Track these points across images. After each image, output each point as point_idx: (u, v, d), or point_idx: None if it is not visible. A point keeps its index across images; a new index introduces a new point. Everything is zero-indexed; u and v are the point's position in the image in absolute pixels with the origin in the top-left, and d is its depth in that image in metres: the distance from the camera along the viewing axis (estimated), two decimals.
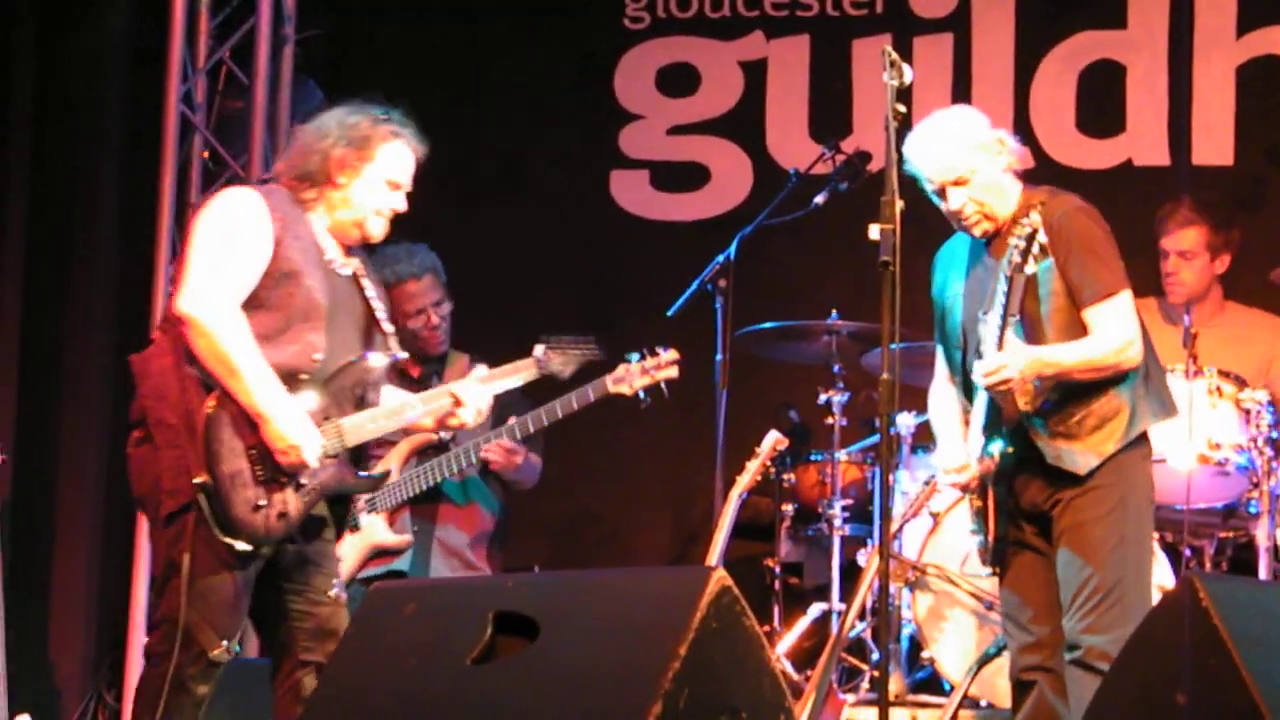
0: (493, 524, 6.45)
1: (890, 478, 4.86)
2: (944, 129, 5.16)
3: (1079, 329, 5.06)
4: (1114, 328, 5.04)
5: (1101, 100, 7.62)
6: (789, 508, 7.04)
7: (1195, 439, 6.21)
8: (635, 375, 5.46)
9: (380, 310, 4.94)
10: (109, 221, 7.60)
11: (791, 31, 7.88)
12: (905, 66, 4.64)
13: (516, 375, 5.09)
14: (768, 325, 6.86)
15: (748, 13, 7.91)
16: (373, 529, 6.17)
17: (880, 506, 6.38)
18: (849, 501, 6.87)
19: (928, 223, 5.22)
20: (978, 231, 5.15)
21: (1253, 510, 6.36)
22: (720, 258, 6.41)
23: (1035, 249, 4.85)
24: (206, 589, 4.66)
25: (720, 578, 3.85)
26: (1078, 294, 5.06)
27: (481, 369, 5.05)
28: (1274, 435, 6.29)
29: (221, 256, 4.70)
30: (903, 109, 4.65)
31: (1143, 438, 5.15)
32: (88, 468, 7.49)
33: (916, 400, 5.91)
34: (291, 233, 4.77)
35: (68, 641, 7.41)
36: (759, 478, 5.97)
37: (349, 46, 8.03)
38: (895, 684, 6.42)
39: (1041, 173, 6.05)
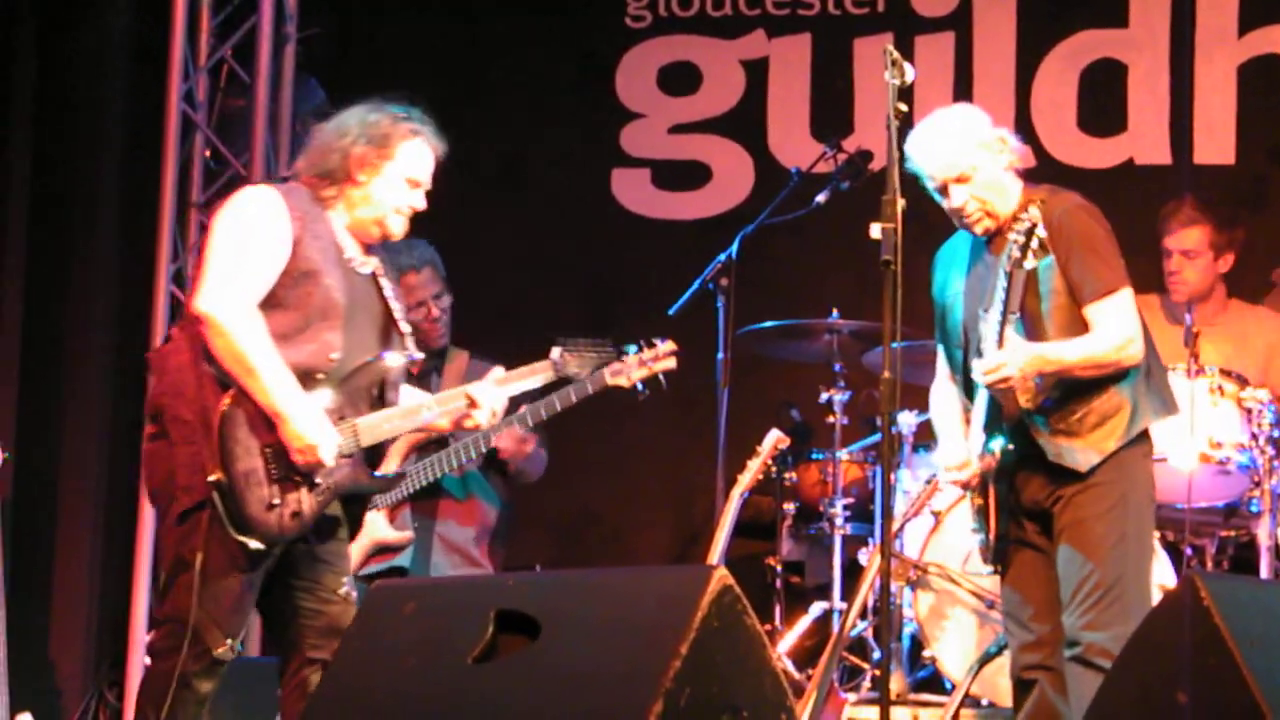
0: (493, 519, 6.45)
1: (892, 476, 4.86)
2: (946, 126, 5.15)
3: (1080, 326, 5.06)
4: (1115, 325, 5.04)
5: (1103, 99, 7.62)
6: (790, 506, 7.03)
7: (1197, 438, 6.21)
8: (633, 367, 5.44)
9: (398, 310, 4.94)
10: (109, 221, 7.60)
11: (793, 30, 7.88)
12: (907, 65, 4.65)
13: (533, 377, 5.08)
14: (769, 324, 6.86)
15: (749, 11, 7.91)
16: (374, 525, 6.17)
17: (882, 505, 6.38)
18: (850, 500, 6.87)
19: (929, 221, 5.22)
20: (979, 230, 5.15)
21: (1254, 509, 6.35)
22: (722, 256, 6.42)
23: (1034, 244, 4.85)
24: (216, 587, 4.67)
25: (722, 577, 3.85)
26: (1078, 291, 5.05)
27: (498, 370, 5.04)
28: (1275, 434, 6.28)
29: (239, 256, 4.70)
30: (904, 108, 4.65)
31: (1144, 435, 5.15)
32: (88, 467, 7.49)
33: (918, 399, 5.91)
34: (311, 232, 4.77)
35: (69, 640, 7.41)
36: (760, 476, 5.97)
37: (350, 45, 8.03)
38: (897, 683, 6.42)
39: (1043, 171, 6.06)
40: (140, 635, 7.00)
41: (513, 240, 7.88)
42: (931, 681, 6.56)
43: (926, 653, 6.47)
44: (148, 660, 4.95)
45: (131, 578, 7.13)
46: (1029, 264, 4.88)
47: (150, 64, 7.38)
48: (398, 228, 4.92)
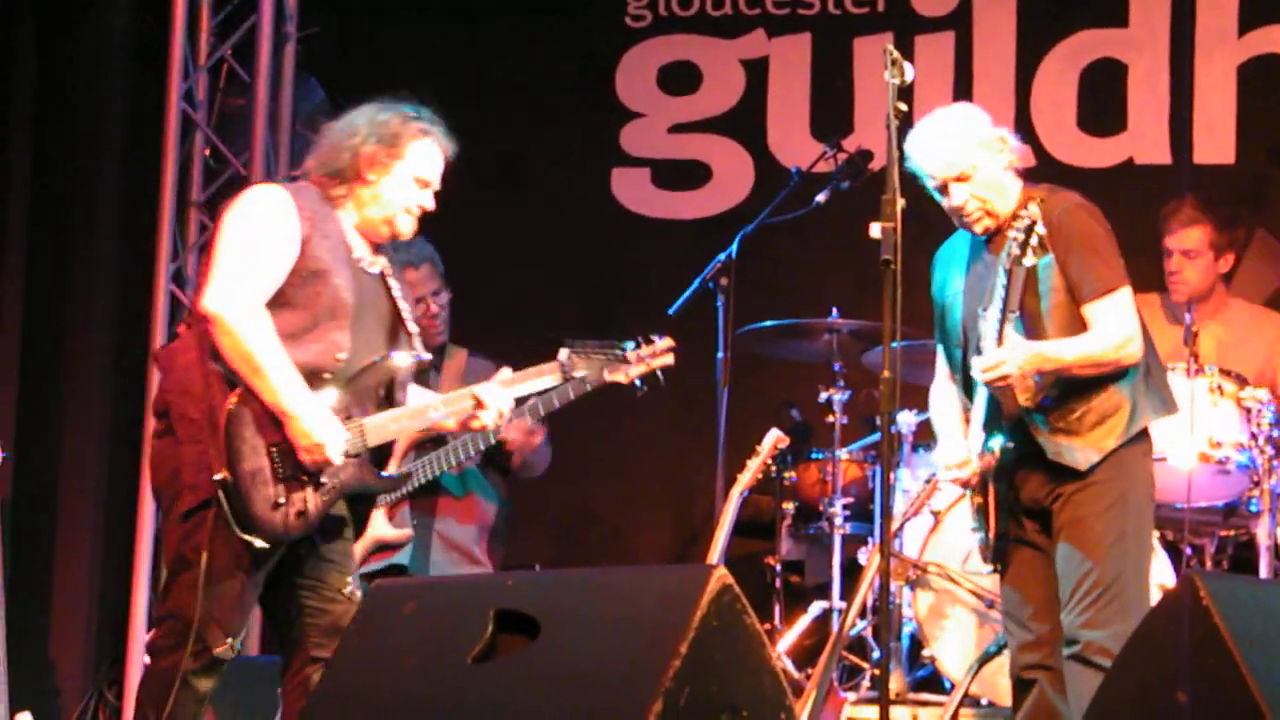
0: (492, 516, 6.45)
1: (891, 476, 4.87)
2: (946, 125, 5.16)
3: (1079, 325, 5.06)
4: (1114, 323, 5.04)
5: (1103, 99, 7.62)
6: (790, 506, 7.03)
7: (1196, 437, 6.21)
8: (631, 364, 5.44)
9: (406, 310, 4.93)
10: (109, 221, 7.60)
11: (793, 30, 7.88)
12: (907, 65, 4.65)
13: (540, 379, 5.06)
14: (769, 323, 6.86)
15: (749, 11, 7.90)
16: (373, 523, 6.15)
17: (881, 505, 6.37)
18: (850, 500, 6.87)
19: (929, 221, 5.22)
20: (979, 229, 5.15)
21: (1253, 509, 6.35)
22: (722, 256, 6.42)
23: (1034, 240, 4.85)
24: (219, 586, 4.67)
25: (721, 576, 3.85)
26: (1077, 290, 5.06)
27: (505, 372, 5.03)
28: (1275, 434, 6.28)
29: (247, 255, 4.71)
30: (904, 107, 4.65)
31: (1143, 434, 5.15)
32: (88, 467, 7.49)
33: (917, 398, 5.91)
34: (320, 231, 4.77)
35: (68, 640, 7.41)
36: (760, 476, 5.97)
37: (350, 45, 8.03)
38: (896, 682, 6.42)
39: (1043, 171, 6.06)
40: (140, 635, 7.00)
41: (512, 240, 7.88)
42: (931, 681, 6.56)
43: (926, 652, 6.47)
44: (147, 659, 4.95)
45: (131, 577, 7.13)
46: (1028, 261, 4.88)
47: (150, 64, 7.38)
48: (407, 227, 4.92)
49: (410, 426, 4.95)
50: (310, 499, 4.71)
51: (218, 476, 4.62)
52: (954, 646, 6.41)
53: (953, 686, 6.22)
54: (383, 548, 6.23)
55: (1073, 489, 5.07)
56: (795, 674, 6.36)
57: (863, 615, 6.36)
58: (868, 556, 6.47)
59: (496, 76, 7.98)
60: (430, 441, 6.14)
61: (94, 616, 7.47)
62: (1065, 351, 5.03)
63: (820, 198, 6.57)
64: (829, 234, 7.01)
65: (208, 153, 7.49)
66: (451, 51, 8.02)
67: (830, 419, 6.89)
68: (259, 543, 4.66)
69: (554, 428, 6.12)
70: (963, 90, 7.54)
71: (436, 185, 4.93)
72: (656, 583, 4.10)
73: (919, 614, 6.47)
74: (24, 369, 7.41)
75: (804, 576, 7.26)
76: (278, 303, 4.71)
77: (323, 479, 4.72)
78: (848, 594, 6.43)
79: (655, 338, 5.36)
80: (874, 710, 5.69)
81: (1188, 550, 6.39)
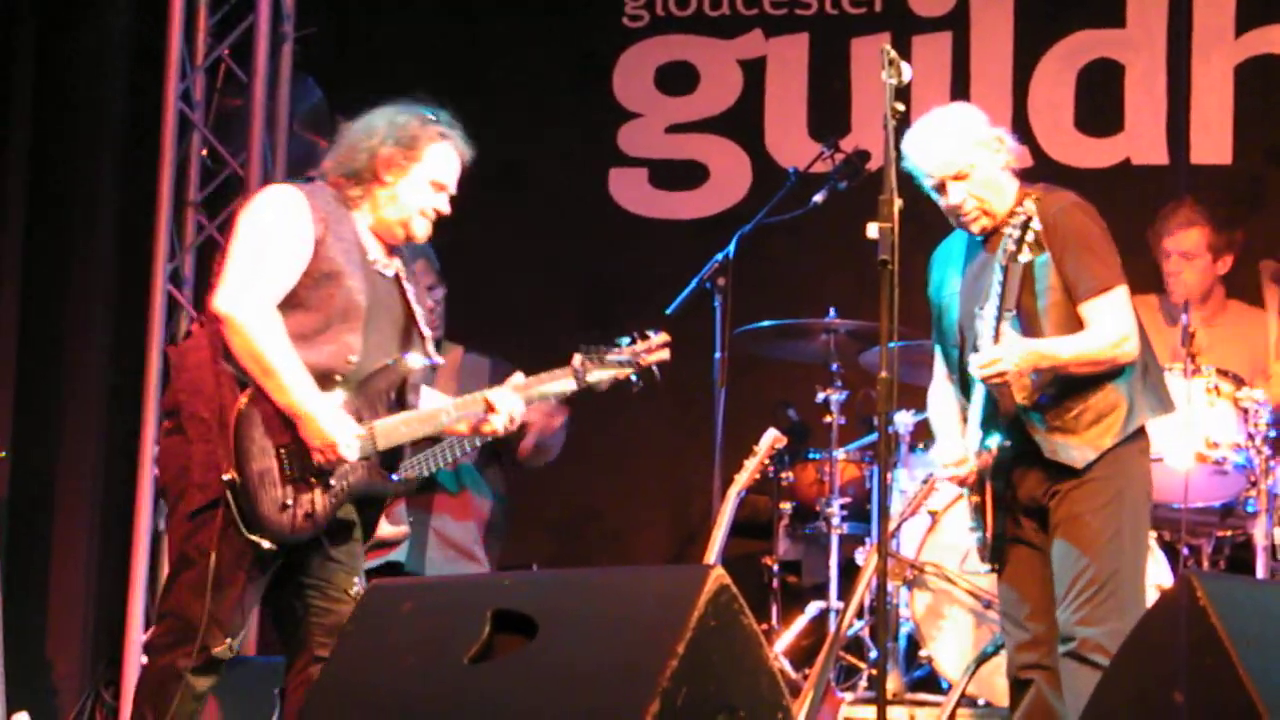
0: (488, 511, 6.45)
1: (888, 476, 4.88)
2: (943, 125, 5.16)
3: (1075, 324, 5.06)
4: (1110, 322, 5.04)
5: (1100, 99, 7.63)
6: (787, 506, 7.04)
7: (1193, 438, 6.22)
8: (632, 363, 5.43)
9: (420, 313, 4.93)
10: (108, 221, 7.59)
11: (790, 30, 7.88)
12: (904, 65, 4.65)
13: (553, 384, 5.03)
14: (766, 323, 6.86)
15: (747, 11, 7.91)
16: None
17: (878, 505, 6.38)
18: (847, 500, 6.88)
19: (926, 221, 5.22)
20: (976, 228, 5.15)
21: (1250, 509, 6.36)
22: (719, 256, 6.42)
23: (1030, 237, 4.86)
24: (222, 586, 4.67)
25: (718, 576, 3.85)
26: (1074, 289, 5.06)
27: (518, 376, 5.02)
28: (1272, 434, 6.29)
29: (260, 256, 4.71)
30: (901, 108, 4.65)
31: (1140, 432, 5.15)
32: (87, 467, 7.49)
33: (915, 398, 5.91)
34: (334, 233, 4.77)
35: (65, 640, 7.40)
36: (757, 476, 5.97)
37: (347, 45, 8.03)
38: (893, 682, 6.43)
39: (1040, 171, 6.06)
40: (137, 635, 6.99)
41: (511, 240, 7.88)
42: (928, 681, 6.56)
43: (923, 652, 6.48)
44: (144, 658, 4.95)
45: (128, 577, 7.12)
46: (1024, 257, 4.89)
47: (150, 64, 7.36)
48: (422, 230, 4.93)
49: (421, 430, 4.93)
50: (318, 501, 4.71)
51: (227, 477, 4.63)
52: (951, 646, 6.42)
53: (950, 686, 6.22)
54: (379, 545, 6.23)
55: (1069, 486, 5.07)
56: (792, 674, 6.36)
57: (860, 615, 6.37)
58: (865, 556, 6.47)
59: (495, 76, 7.98)
60: (425, 439, 6.13)
61: (91, 616, 7.46)
62: (1061, 349, 5.03)
63: (818, 198, 6.57)
64: (826, 234, 7.01)
65: (205, 153, 7.48)
66: (449, 51, 8.02)
67: (827, 419, 6.89)
68: (265, 544, 4.66)
69: None
70: (960, 90, 7.54)
71: (453, 189, 4.94)
72: (654, 583, 4.10)
73: (916, 614, 6.47)
74: (21, 368, 7.40)
75: (801, 576, 7.26)
76: (290, 304, 4.71)
77: (331, 481, 4.72)
78: (845, 594, 6.43)
79: (650, 333, 5.36)
80: (871, 710, 5.70)
81: (1185, 550, 6.39)
